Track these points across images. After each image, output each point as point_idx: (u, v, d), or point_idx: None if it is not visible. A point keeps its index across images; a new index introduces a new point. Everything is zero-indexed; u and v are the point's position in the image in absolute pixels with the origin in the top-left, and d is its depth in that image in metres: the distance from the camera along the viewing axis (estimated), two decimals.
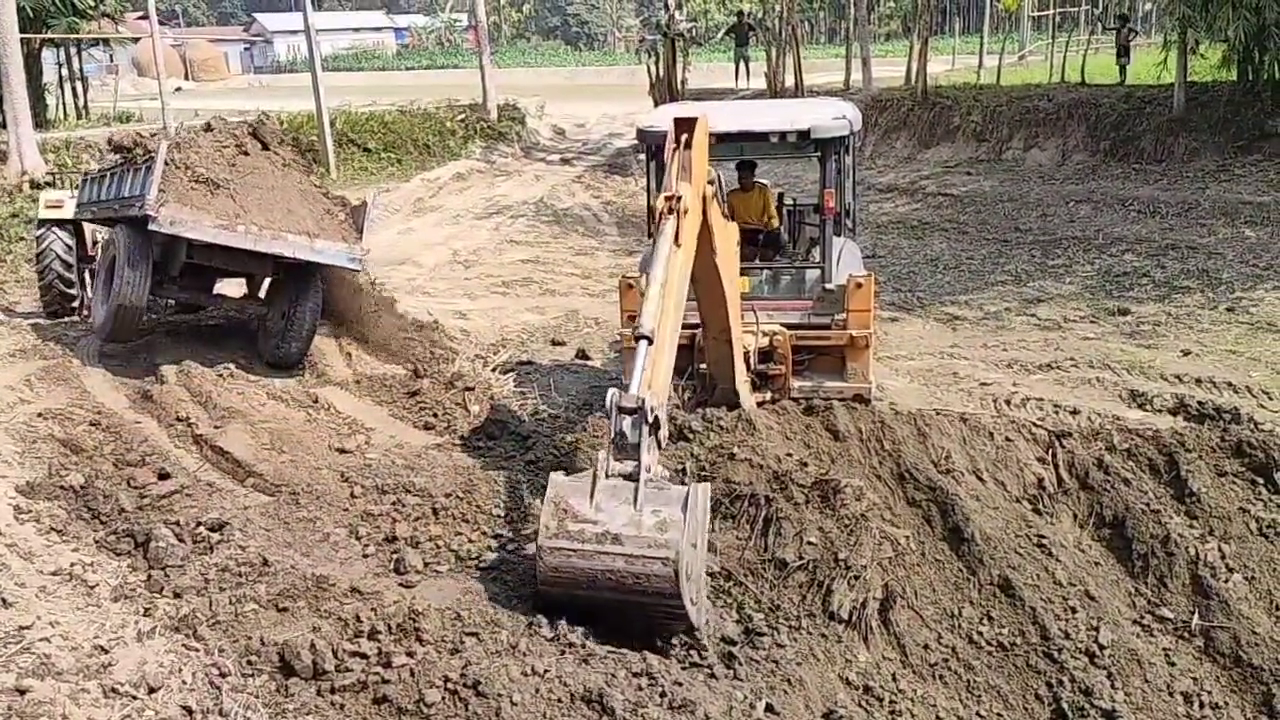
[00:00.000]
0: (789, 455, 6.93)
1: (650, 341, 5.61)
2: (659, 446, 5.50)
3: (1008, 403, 9.40)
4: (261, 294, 11.56)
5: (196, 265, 10.89)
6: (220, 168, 10.41)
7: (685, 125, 6.40)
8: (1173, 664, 5.80)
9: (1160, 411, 9.09)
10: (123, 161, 10.98)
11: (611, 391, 5.48)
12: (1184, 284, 13.06)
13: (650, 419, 5.32)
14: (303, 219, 10.40)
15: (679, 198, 6.10)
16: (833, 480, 6.50)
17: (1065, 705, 5.50)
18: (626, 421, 5.33)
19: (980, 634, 5.91)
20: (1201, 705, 5.57)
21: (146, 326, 11.35)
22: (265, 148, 10.91)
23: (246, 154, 10.72)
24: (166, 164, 9.93)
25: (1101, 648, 5.74)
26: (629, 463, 5.33)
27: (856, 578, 5.90)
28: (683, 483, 5.86)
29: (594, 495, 5.28)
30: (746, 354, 7.84)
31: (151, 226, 9.85)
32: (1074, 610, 5.99)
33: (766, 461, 6.79)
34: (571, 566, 5.25)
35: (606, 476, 5.33)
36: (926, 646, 5.81)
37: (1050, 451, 7.26)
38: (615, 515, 5.20)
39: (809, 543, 6.13)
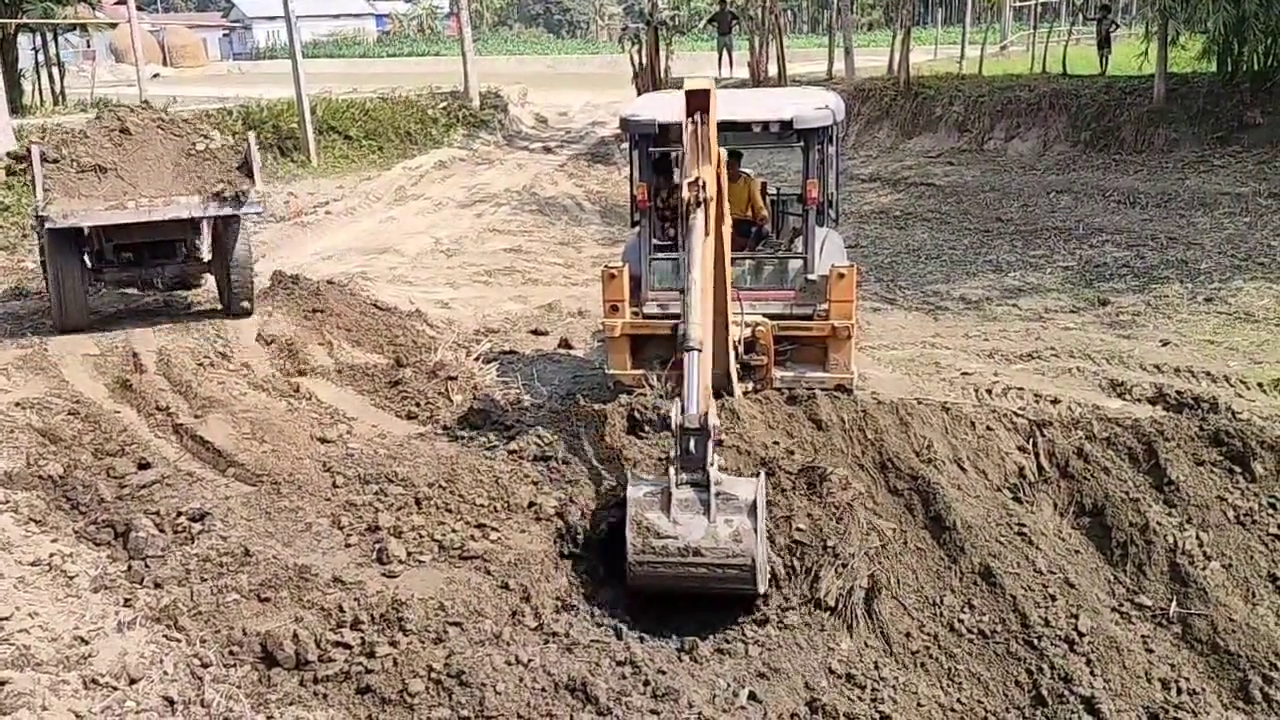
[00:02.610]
0: (776, 443, 6.95)
1: (700, 352, 5.89)
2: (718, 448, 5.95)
3: (989, 392, 9.44)
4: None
5: (126, 245, 11.55)
6: (107, 152, 11.20)
7: (699, 98, 6.30)
8: (1151, 651, 5.85)
9: (1139, 401, 9.15)
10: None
11: (673, 411, 5.84)
12: (1163, 274, 13.14)
13: (712, 434, 5.76)
14: (192, 179, 11.15)
15: (703, 184, 6.03)
16: (820, 468, 6.53)
17: (1045, 692, 5.54)
18: (691, 441, 5.76)
19: (961, 622, 5.95)
20: (1179, 691, 5.62)
21: (104, 306, 12.16)
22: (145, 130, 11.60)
23: (129, 132, 11.43)
24: (48, 163, 10.82)
25: (1081, 635, 5.79)
26: (697, 474, 5.77)
27: (845, 565, 5.94)
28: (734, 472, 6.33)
29: (670, 510, 5.72)
30: (733, 343, 7.85)
31: (48, 225, 10.68)
32: (1054, 598, 6.04)
33: (754, 448, 6.81)
34: (658, 575, 5.75)
35: (678, 488, 5.75)
36: (908, 635, 5.84)
37: (1031, 440, 7.31)
38: (692, 528, 5.70)
39: (798, 528, 6.16)
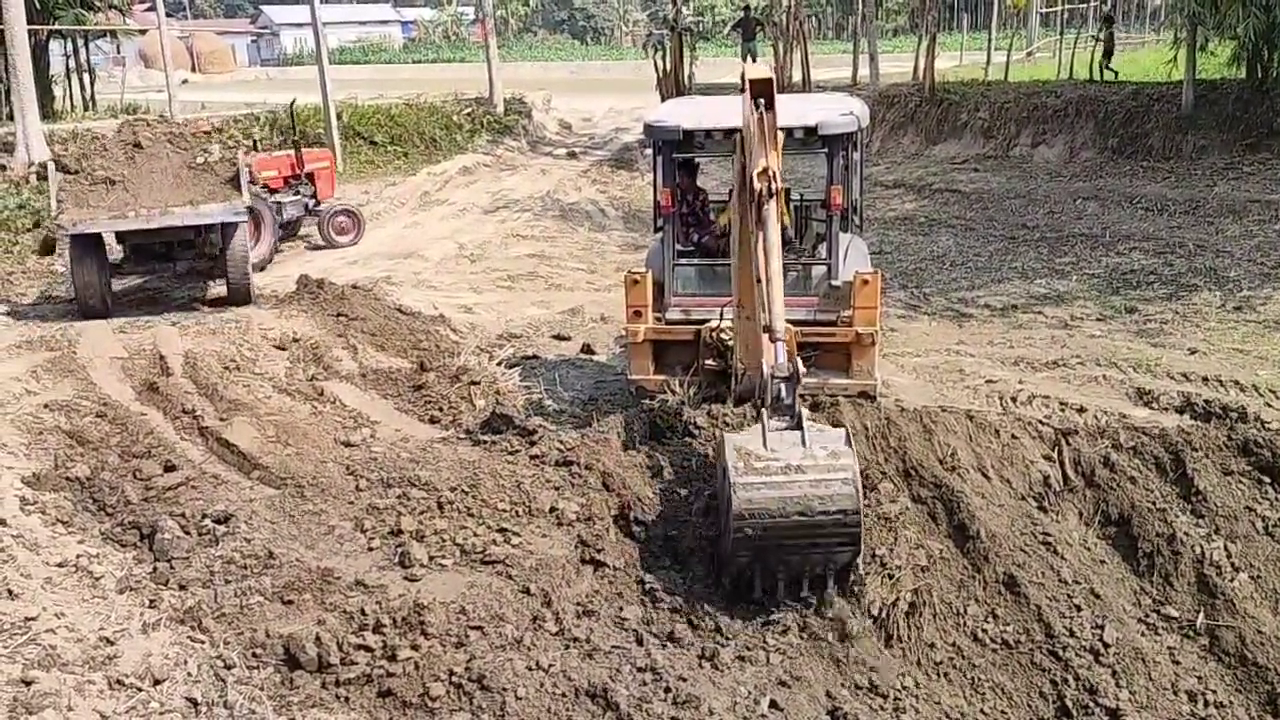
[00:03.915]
0: None
1: (785, 341, 6.05)
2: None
3: (1014, 400, 9.38)
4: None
5: (140, 244, 13.11)
6: (120, 165, 12.75)
7: (762, 86, 6.29)
8: (1177, 663, 5.79)
9: (1167, 410, 9.07)
10: None
11: (764, 364, 6.00)
12: (1191, 282, 13.02)
13: (800, 381, 5.94)
14: (189, 190, 12.61)
15: (774, 173, 6.05)
16: (869, 476, 6.51)
17: (1069, 703, 5.49)
18: (782, 387, 5.90)
19: (985, 631, 5.91)
20: (1206, 704, 5.55)
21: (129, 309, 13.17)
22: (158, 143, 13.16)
23: (142, 146, 12.95)
24: (71, 173, 12.43)
25: (1106, 646, 5.73)
26: (787, 417, 5.90)
27: (891, 577, 5.91)
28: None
29: (767, 443, 5.79)
30: None
31: (60, 233, 12.39)
32: (1079, 608, 5.98)
33: None
34: (763, 497, 5.64)
35: (771, 430, 5.84)
36: (932, 645, 5.80)
37: (1056, 449, 7.24)
38: (791, 453, 5.74)
39: None
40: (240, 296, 12.87)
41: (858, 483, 5.63)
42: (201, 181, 12.78)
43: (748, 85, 6.34)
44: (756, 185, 6.08)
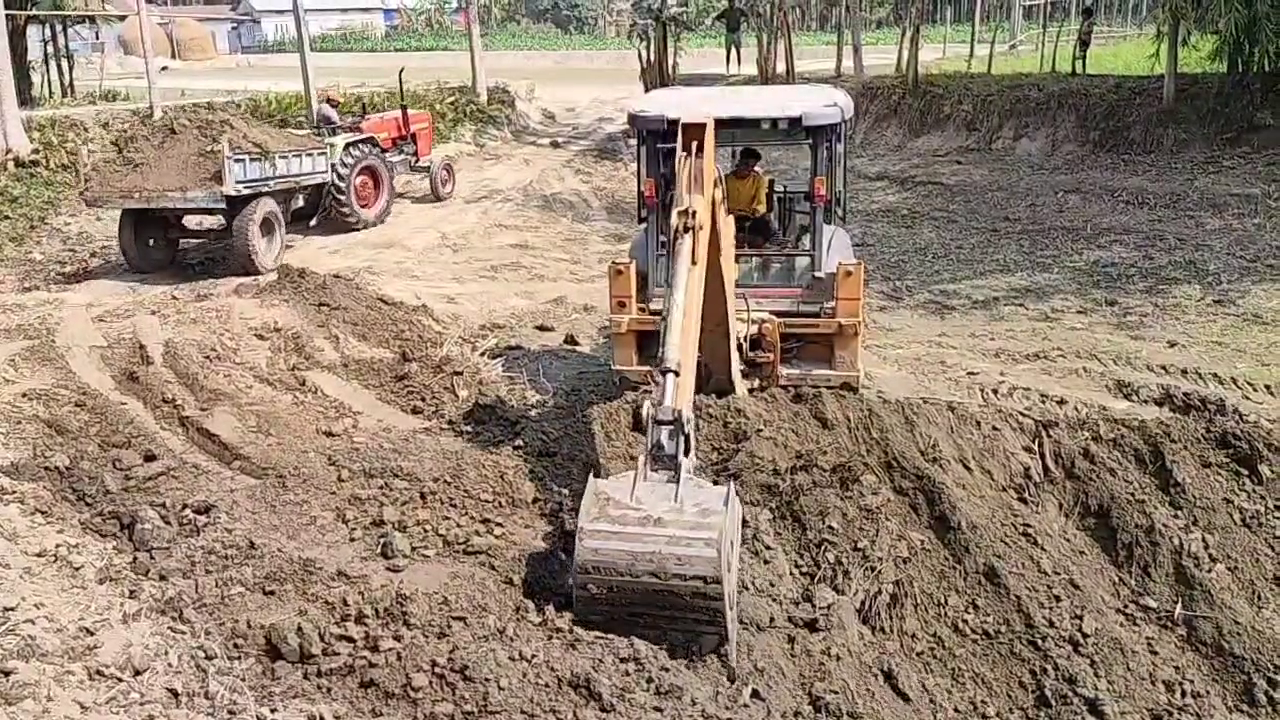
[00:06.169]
0: (816, 440, 7.00)
1: (677, 374, 5.52)
2: (689, 454, 5.44)
3: (995, 392, 9.43)
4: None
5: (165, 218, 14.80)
6: (149, 150, 14.40)
7: (694, 132, 6.21)
8: (1155, 653, 5.84)
9: (1146, 402, 9.13)
10: None
11: (645, 405, 5.48)
12: (1171, 275, 13.11)
13: (685, 430, 5.32)
14: (186, 178, 13.92)
15: (693, 213, 5.96)
16: (853, 468, 6.54)
17: (1048, 693, 5.53)
18: (664, 432, 5.31)
19: (965, 622, 5.95)
20: (1183, 694, 5.60)
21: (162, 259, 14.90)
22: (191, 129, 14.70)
23: (175, 133, 14.58)
24: (116, 151, 14.54)
25: (1085, 636, 5.78)
26: (668, 469, 5.29)
27: (873, 569, 5.93)
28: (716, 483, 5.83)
29: (635, 492, 5.18)
30: (738, 342, 7.84)
31: (88, 207, 15.22)
32: (1058, 599, 6.03)
33: (789, 441, 6.83)
34: (611, 550, 5.05)
35: (645, 480, 5.26)
36: (913, 635, 5.84)
37: (1037, 441, 7.30)
38: (657, 505, 5.11)
39: (830, 526, 6.15)
40: (242, 263, 14.19)
41: (724, 549, 4.95)
42: (202, 169, 13.95)
43: (681, 130, 6.25)
44: (674, 221, 5.95)
